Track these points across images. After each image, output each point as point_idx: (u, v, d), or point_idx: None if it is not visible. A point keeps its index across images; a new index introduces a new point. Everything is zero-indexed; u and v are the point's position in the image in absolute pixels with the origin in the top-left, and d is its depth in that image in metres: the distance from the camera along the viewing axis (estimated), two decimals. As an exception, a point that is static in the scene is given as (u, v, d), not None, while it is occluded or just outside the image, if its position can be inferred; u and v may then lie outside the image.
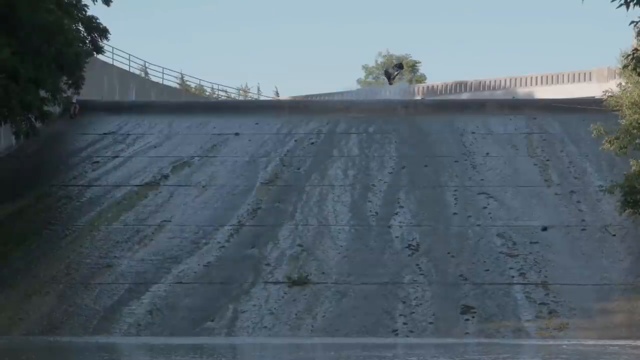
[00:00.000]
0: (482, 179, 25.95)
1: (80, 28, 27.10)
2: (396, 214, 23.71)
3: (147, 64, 48.93)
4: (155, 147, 29.44)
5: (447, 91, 53.61)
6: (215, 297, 19.43)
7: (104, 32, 27.66)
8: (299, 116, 32.36)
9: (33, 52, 23.24)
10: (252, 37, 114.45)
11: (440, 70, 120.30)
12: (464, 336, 17.73)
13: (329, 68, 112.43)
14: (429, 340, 17.36)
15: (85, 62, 26.19)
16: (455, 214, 23.64)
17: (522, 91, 49.86)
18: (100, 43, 28.32)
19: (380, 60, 69.84)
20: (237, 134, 30.45)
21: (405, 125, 31.15)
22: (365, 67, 70.48)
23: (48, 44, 23.42)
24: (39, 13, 22.82)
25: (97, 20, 27.38)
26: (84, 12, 27.11)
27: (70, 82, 26.23)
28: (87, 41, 27.31)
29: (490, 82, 52.44)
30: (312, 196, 24.98)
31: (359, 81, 70.00)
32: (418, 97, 51.38)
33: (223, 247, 21.93)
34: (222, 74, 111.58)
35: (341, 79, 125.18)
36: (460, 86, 53.17)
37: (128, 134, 30.84)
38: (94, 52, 27.94)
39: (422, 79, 67.95)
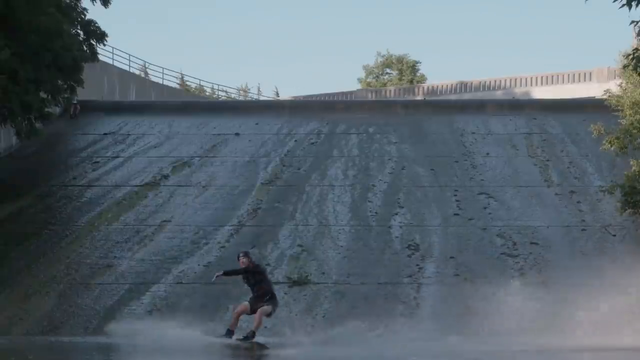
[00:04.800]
0: (482, 179, 25.95)
1: (79, 32, 27.12)
2: (396, 214, 23.71)
3: (147, 64, 49.02)
4: (155, 147, 29.43)
5: (448, 91, 53.67)
6: (215, 297, 19.42)
7: (101, 37, 27.65)
8: (299, 116, 32.37)
9: (32, 53, 23.25)
10: (253, 37, 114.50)
11: (441, 70, 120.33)
12: (464, 336, 17.69)
13: (329, 68, 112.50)
14: (429, 340, 17.32)
15: (83, 66, 26.21)
16: (455, 214, 23.64)
17: (522, 91, 49.93)
18: (97, 48, 28.31)
19: (380, 59, 69.79)
20: (237, 134, 30.46)
21: (405, 125, 31.16)
22: (365, 67, 70.41)
23: (46, 47, 23.42)
24: (38, 15, 22.82)
25: (96, 24, 27.39)
26: (83, 16, 27.13)
27: (66, 85, 26.22)
28: (85, 45, 27.30)
29: (491, 82, 52.50)
30: (312, 196, 24.98)
31: (359, 81, 69.96)
32: (419, 97, 51.44)
33: (223, 247, 21.93)
34: (222, 74, 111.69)
35: (342, 78, 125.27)
36: (461, 86, 53.23)
37: (128, 134, 30.84)
38: (92, 58, 27.88)
39: (422, 79, 67.93)
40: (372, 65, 70.02)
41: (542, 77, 50.99)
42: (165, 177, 26.59)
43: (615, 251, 21.43)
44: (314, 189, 25.55)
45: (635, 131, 21.65)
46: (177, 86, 57.43)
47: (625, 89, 23.51)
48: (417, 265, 20.77)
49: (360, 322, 17.04)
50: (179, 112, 33.89)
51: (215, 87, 61.84)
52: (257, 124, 31.41)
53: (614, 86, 26.00)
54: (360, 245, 21.90)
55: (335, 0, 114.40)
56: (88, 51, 27.45)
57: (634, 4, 16.78)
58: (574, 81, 49.16)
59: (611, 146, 21.97)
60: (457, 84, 53.66)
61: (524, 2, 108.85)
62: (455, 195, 24.86)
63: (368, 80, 69.53)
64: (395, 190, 25.39)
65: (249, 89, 71.81)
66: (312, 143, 29.45)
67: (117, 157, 28.51)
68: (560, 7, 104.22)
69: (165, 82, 49.05)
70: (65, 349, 16.88)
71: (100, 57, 32.58)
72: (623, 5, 16.76)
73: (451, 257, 21.12)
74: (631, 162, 21.45)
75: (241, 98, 65.28)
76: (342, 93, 58.55)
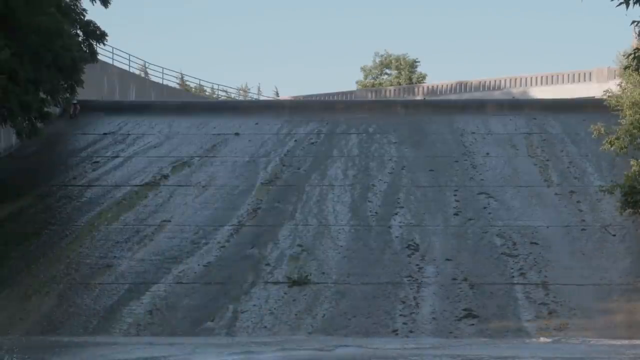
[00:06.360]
0: (482, 179, 25.96)
1: (79, 32, 27.14)
2: (396, 214, 23.70)
3: (147, 64, 49.07)
4: (155, 147, 29.45)
5: (447, 91, 53.70)
6: (215, 297, 19.41)
7: (101, 37, 27.66)
8: (299, 116, 32.38)
9: (32, 53, 23.25)
10: (253, 38, 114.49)
11: (440, 71, 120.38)
12: (464, 336, 17.70)
13: (329, 69, 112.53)
14: (429, 341, 17.33)
15: (82, 67, 26.22)
16: (455, 214, 23.64)
17: (522, 91, 49.97)
18: (97, 48, 28.33)
19: (378, 60, 69.66)
20: (237, 134, 30.48)
21: (405, 125, 31.17)
22: (363, 68, 70.26)
23: (46, 47, 23.42)
24: (38, 15, 22.82)
25: (95, 25, 27.41)
26: (82, 17, 27.15)
27: (66, 85, 26.23)
28: (85, 45, 27.31)
29: (490, 82, 52.53)
30: (312, 196, 24.98)
31: (358, 83, 69.79)
32: (419, 97, 51.48)
33: (223, 247, 21.92)
34: (222, 74, 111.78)
35: (342, 78, 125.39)
36: (461, 86, 53.26)
37: (128, 134, 30.86)
38: (91, 59, 27.88)
39: (422, 77, 67.88)
40: (371, 65, 69.90)
41: (541, 77, 51.02)
42: (165, 177, 26.60)
43: (615, 251, 21.44)
44: (313, 189, 25.55)
45: (635, 131, 21.66)
46: (177, 86, 57.49)
47: (625, 89, 23.53)
48: (417, 265, 20.75)
49: None
50: (179, 112, 33.91)
51: (215, 87, 61.93)
52: (257, 124, 31.43)
53: (613, 86, 26.01)
54: (360, 245, 21.89)
55: (335, 1, 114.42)
56: (88, 51, 27.46)
57: (631, 2, 16.76)
58: (573, 81, 49.20)
59: (611, 146, 21.98)
60: (456, 84, 53.68)
61: (524, 2, 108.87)
62: (455, 195, 24.85)
63: (366, 81, 69.44)
64: (395, 190, 25.39)
65: (249, 89, 71.95)
66: (312, 143, 29.46)
67: (117, 157, 28.52)
68: (559, 7, 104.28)
69: (165, 82, 49.11)
70: (65, 348, 16.85)
71: (100, 57, 32.62)
72: (620, 3, 16.75)
73: (451, 257, 21.10)
74: (631, 162, 21.45)
75: (241, 98, 65.33)
76: (342, 93, 58.61)
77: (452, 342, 16.93)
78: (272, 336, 17.62)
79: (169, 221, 23.40)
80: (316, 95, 56.46)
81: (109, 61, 39.68)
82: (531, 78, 51.30)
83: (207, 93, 61.96)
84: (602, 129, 22.51)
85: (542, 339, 17.06)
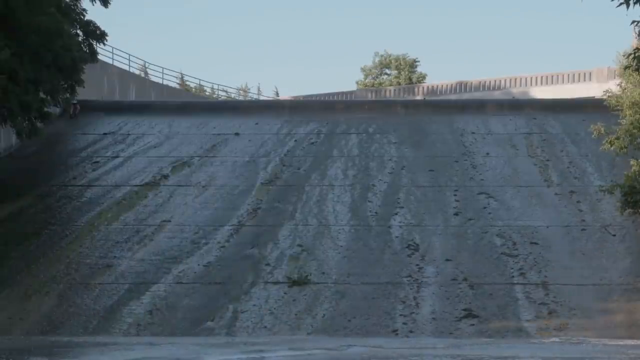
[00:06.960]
0: (482, 179, 25.96)
1: (79, 32, 27.16)
2: (396, 214, 23.70)
3: (147, 64, 49.11)
4: (155, 147, 29.45)
5: (447, 91, 53.74)
6: (215, 297, 19.40)
7: (101, 37, 27.68)
8: (299, 116, 32.38)
9: (32, 53, 23.25)
10: (253, 38, 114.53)
11: (440, 70, 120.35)
12: (464, 336, 17.70)
13: (329, 68, 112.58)
14: (429, 341, 17.31)
15: (82, 67, 26.22)
16: (455, 214, 23.64)
17: (522, 91, 50.01)
18: (97, 48, 28.35)
19: (377, 60, 69.72)
20: (237, 134, 30.48)
21: (405, 125, 31.17)
22: (363, 69, 70.31)
23: (46, 47, 23.43)
24: (38, 15, 22.82)
25: (95, 25, 27.43)
26: (82, 17, 27.16)
27: (66, 85, 26.23)
28: (85, 45, 27.32)
29: (490, 82, 52.57)
30: (312, 196, 24.98)
31: (358, 83, 69.84)
32: (419, 97, 51.53)
33: (223, 247, 21.92)
34: (222, 74, 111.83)
35: (342, 78, 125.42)
36: (461, 86, 53.30)
37: (128, 134, 30.87)
38: (91, 59, 27.89)
39: (421, 77, 67.92)
40: (371, 65, 69.96)
41: (541, 77, 51.05)
42: (165, 177, 26.60)
43: (615, 251, 21.44)
44: (313, 189, 25.55)
45: (635, 131, 21.66)
46: (177, 86, 57.53)
47: (625, 89, 23.53)
48: (417, 265, 20.75)
49: None
50: (179, 112, 33.93)
51: (215, 87, 61.98)
52: (257, 124, 31.43)
53: (613, 86, 26.02)
54: (360, 245, 21.89)
55: (335, 1, 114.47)
56: (88, 51, 27.47)
57: (631, 2, 16.76)
58: (573, 81, 49.24)
59: (611, 146, 21.98)
60: (456, 84, 53.72)
61: (524, 2, 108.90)
62: (455, 195, 24.86)
63: (366, 81, 69.50)
64: (395, 190, 25.39)
65: (249, 89, 72.00)
66: (312, 143, 29.47)
67: (117, 157, 28.53)
68: (559, 7, 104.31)
69: (165, 82, 49.15)
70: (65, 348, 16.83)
71: (100, 57, 32.63)
72: (621, 3, 16.75)
73: (451, 257, 21.10)
74: (631, 162, 21.45)
75: (241, 98, 65.35)
76: (342, 93, 58.65)
77: (452, 342, 16.91)
78: (272, 336, 17.60)
79: (169, 221, 23.40)
80: (316, 95, 56.49)
81: (109, 61, 39.71)
82: (531, 78, 51.32)
83: (207, 93, 61.99)
84: (602, 129, 22.51)
85: (542, 339, 17.06)
